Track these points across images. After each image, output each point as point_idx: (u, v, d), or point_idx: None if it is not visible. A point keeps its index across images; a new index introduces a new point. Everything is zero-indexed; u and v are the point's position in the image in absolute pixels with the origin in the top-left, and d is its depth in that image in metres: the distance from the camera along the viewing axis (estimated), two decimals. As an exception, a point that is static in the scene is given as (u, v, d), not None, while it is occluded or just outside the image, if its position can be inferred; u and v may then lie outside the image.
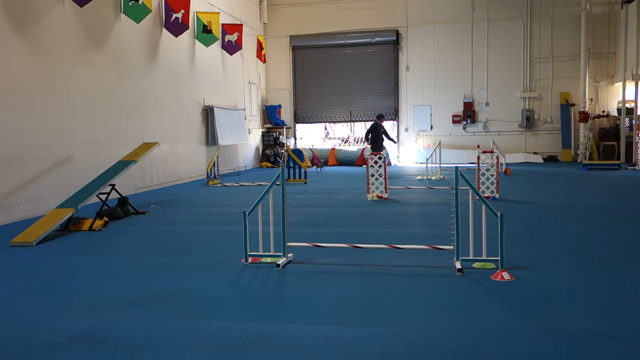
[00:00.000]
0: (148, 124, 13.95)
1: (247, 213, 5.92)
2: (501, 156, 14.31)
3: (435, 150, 15.91)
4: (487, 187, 10.85)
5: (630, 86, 18.98)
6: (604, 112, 20.86)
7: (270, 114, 22.89)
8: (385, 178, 11.30)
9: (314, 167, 19.37)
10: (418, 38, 22.23)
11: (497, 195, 10.84)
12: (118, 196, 9.76)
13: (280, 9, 23.13)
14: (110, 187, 9.35)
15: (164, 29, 14.87)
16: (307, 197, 12.01)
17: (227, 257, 6.42)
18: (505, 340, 3.81)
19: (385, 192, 11.29)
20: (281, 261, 5.93)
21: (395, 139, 14.37)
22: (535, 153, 21.71)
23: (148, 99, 14.07)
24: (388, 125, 23.08)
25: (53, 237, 7.92)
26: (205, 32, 16.82)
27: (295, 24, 23.05)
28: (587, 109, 20.59)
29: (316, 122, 23.81)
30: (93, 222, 8.52)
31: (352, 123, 23.47)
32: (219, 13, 17.43)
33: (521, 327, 4.07)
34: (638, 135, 17.58)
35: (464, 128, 22.23)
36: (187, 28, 15.35)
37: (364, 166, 12.91)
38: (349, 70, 23.03)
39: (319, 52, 23.26)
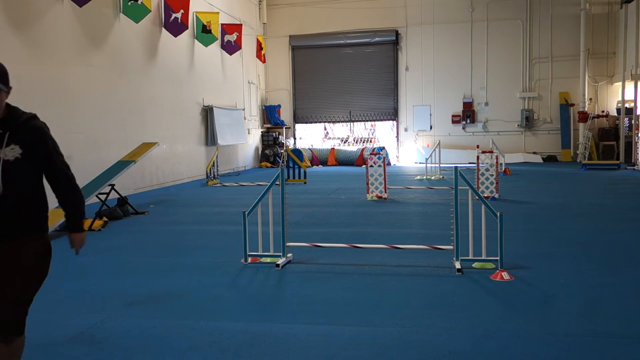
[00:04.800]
0: (147, 124, 13.95)
1: (246, 213, 5.92)
2: (500, 156, 14.32)
3: (434, 150, 15.92)
4: (487, 187, 10.86)
5: (630, 86, 19.00)
6: (603, 112, 20.87)
7: (269, 114, 22.90)
8: (385, 178, 11.31)
9: None
10: (417, 38, 22.24)
11: (496, 195, 10.84)
12: (117, 196, 9.76)
13: (279, 9, 23.12)
14: (110, 187, 9.35)
15: (164, 29, 14.87)
16: (307, 197, 12.00)
17: (227, 257, 6.42)
18: (505, 340, 3.82)
19: (385, 192, 11.30)
20: (281, 261, 5.92)
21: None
22: (534, 153, 21.72)
23: (147, 99, 14.07)
24: (385, 126, 23.10)
25: (52, 237, 7.85)
26: (204, 32, 16.83)
27: (295, 24, 23.05)
28: (586, 109, 20.60)
29: (315, 122, 23.81)
30: (92, 222, 8.51)
31: (351, 123, 23.47)
32: (218, 13, 17.43)
33: (521, 327, 4.07)
34: (637, 135, 17.59)
35: (463, 128, 22.24)
36: (187, 28, 15.35)
37: (364, 166, 12.90)
38: (348, 70, 23.04)
39: (318, 52, 23.26)
